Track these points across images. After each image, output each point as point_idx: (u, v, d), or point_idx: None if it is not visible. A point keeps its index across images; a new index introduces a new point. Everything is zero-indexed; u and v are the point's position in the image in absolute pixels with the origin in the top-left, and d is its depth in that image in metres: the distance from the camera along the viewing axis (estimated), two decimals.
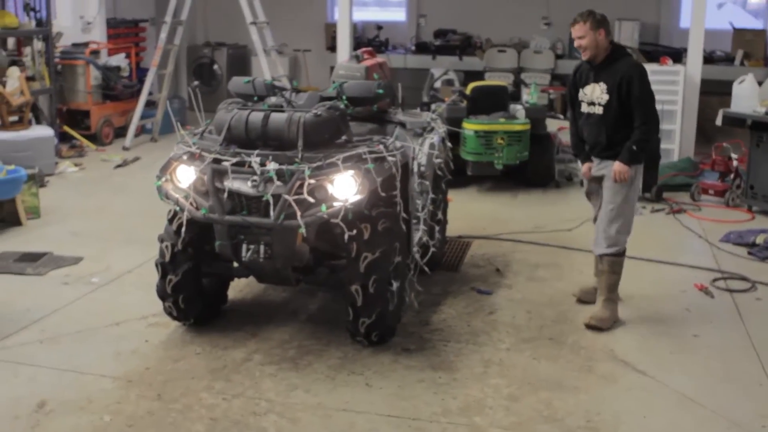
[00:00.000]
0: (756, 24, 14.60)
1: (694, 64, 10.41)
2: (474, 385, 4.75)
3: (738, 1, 16.98)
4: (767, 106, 8.31)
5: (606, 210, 5.59)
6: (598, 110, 5.51)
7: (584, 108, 5.62)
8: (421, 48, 14.55)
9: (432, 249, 6.10)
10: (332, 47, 13.64)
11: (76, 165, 10.41)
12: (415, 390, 4.69)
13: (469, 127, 9.16)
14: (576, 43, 5.52)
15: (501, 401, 4.59)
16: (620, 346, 5.29)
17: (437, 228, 6.41)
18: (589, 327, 5.56)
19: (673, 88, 10.19)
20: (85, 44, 12.20)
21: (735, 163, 9.04)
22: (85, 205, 8.67)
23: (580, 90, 5.64)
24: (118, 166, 10.59)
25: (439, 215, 6.55)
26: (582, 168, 5.85)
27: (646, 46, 13.52)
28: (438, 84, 11.09)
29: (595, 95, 5.52)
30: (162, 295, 5.33)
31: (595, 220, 5.88)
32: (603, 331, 5.52)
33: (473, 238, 7.50)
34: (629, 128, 5.47)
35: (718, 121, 8.88)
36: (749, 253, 7.24)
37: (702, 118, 10.73)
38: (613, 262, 5.64)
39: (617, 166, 5.44)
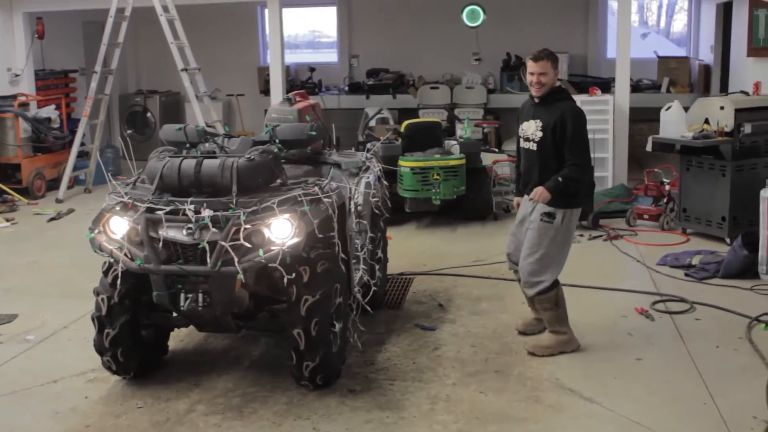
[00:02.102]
0: (679, 52, 15.00)
1: (622, 93, 10.64)
2: (422, 423, 4.72)
3: (661, 31, 17.48)
4: (694, 131, 8.51)
5: (528, 251, 5.60)
6: (533, 146, 5.57)
7: (522, 143, 5.71)
8: (355, 88, 14.63)
9: (373, 288, 6.10)
10: (266, 90, 13.63)
11: (7, 220, 10.20)
12: (363, 431, 4.63)
13: (405, 164, 9.22)
14: (536, 79, 5.46)
15: None
16: (566, 375, 5.31)
17: (377, 266, 6.40)
18: (529, 353, 5.64)
19: (604, 117, 10.41)
20: (14, 97, 12.01)
21: (667, 187, 9.22)
22: (18, 260, 8.47)
23: (520, 126, 5.70)
24: (52, 219, 10.38)
25: (379, 254, 6.53)
26: (515, 200, 5.95)
27: (575, 77, 13.79)
28: (372, 123, 11.16)
29: (530, 131, 5.57)
30: (100, 349, 5.21)
31: (509, 256, 5.92)
32: (537, 356, 5.59)
33: (414, 275, 7.50)
34: (561, 168, 5.52)
35: (648, 147, 9.05)
36: (686, 274, 7.37)
37: (633, 145, 10.96)
38: (540, 301, 5.67)
39: (539, 188, 5.43)
